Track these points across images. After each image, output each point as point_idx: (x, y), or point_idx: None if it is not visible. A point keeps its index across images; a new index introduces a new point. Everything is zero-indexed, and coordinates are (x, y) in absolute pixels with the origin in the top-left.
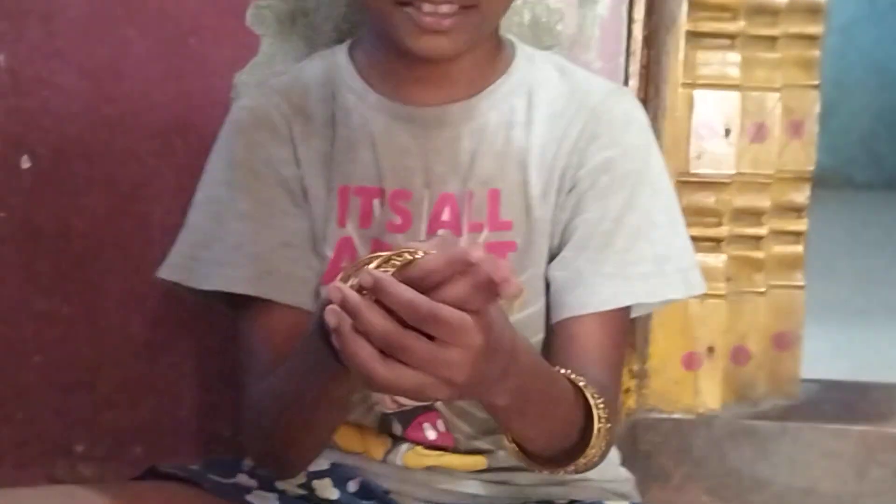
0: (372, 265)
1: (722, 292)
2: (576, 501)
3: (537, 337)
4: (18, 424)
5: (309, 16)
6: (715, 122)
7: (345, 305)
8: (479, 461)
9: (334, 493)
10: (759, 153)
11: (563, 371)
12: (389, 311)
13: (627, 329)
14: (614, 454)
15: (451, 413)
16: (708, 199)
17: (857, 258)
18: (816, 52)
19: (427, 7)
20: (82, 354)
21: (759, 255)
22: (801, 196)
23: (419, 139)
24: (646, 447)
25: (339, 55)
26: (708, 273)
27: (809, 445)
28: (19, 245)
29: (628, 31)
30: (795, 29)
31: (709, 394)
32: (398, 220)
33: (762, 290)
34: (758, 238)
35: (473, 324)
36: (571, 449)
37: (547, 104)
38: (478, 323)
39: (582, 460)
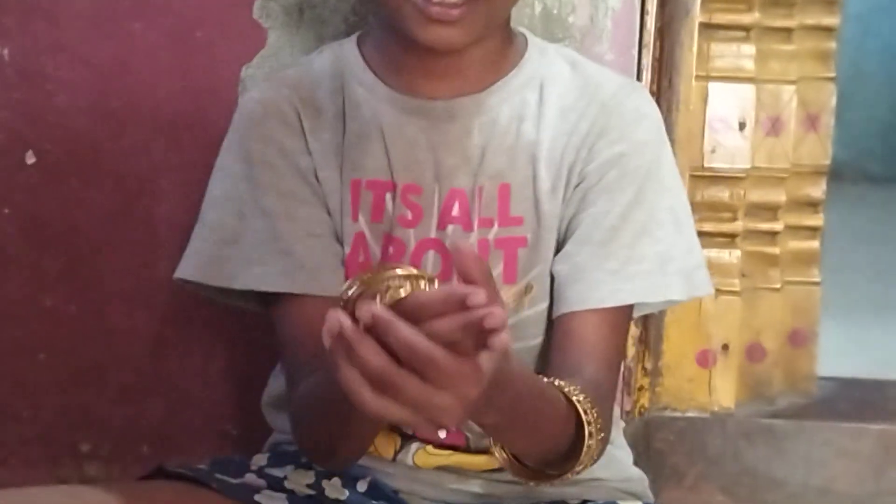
0: (381, 279)
1: (736, 288)
2: (588, 501)
3: (542, 333)
4: (24, 423)
5: (316, 8)
6: (729, 116)
7: (341, 336)
8: (491, 461)
9: (344, 493)
10: (775, 147)
11: (557, 383)
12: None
13: (628, 327)
14: (627, 453)
15: None
16: (722, 193)
17: (873, 253)
18: (832, 44)
19: None
20: (88, 352)
21: (775, 250)
22: (817, 190)
23: (429, 133)
24: (659, 446)
25: (348, 47)
26: (722, 269)
27: (826, 444)
28: (24, 242)
29: (641, 23)
30: (811, 20)
31: (723, 392)
32: (409, 215)
33: (777, 286)
34: (773, 233)
35: (470, 373)
36: (561, 459)
37: (558, 98)
38: (475, 372)
39: (570, 475)
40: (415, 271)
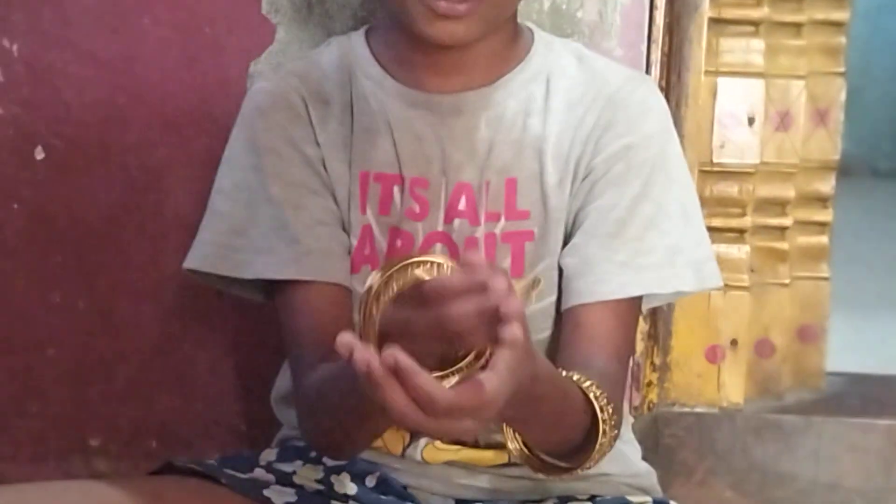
0: (405, 265)
1: (745, 284)
2: (597, 496)
3: (550, 327)
4: (33, 418)
5: (325, 3)
6: (738, 111)
7: (369, 377)
8: (500, 455)
9: (352, 488)
10: (784, 142)
11: (575, 377)
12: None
13: (637, 319)
14: (635, 449)
15: None
16: (731, 188)
17: (882, 249)
18: (842, 39)
19: None
20: (97, 348)
21: (784, 245)
22: (827, 185)
23: (436, 127)
24: (668, 441)
25: (356, 41)
26: (731, 264)
27: (835, 440)
28: (33, 237)
29: (650, 18)
30: (821, 15)
31: (732, 387)
32: (417, 209)
33: (786, 281)
34: (782, 228)
35: (491, 399)
36: (572, 452)
37: (564, 92)
38: (495, 396)
39: (579, 470)
40: (439, 258)
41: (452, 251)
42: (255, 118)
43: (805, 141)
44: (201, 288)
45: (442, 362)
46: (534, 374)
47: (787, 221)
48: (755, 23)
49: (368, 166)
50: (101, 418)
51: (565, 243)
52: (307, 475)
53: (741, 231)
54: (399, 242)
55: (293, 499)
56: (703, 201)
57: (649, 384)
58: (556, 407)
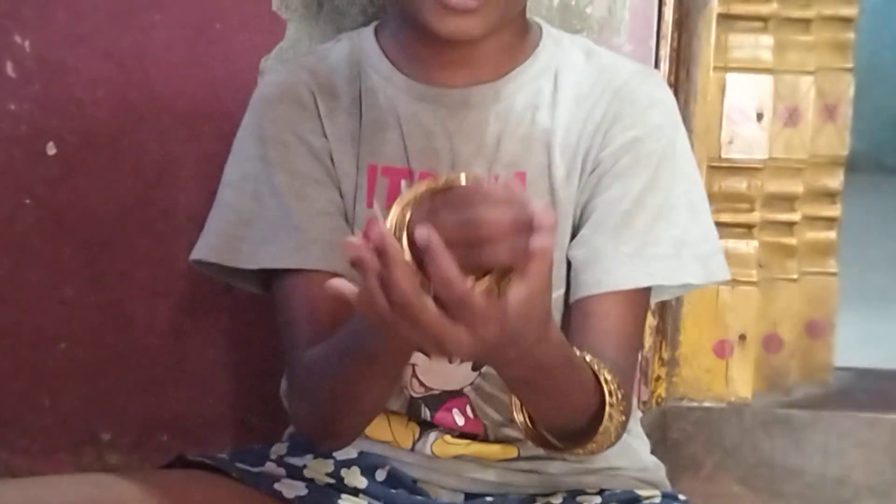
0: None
1: (754, 279)
2: (606, 490)
3: (559, 321)
4: (45, 412)
5: None
6: (747, 107)
7: (379, 251)
8: (510, 450)
9: (362, 482)
10: (792, 138)
11: (588, 358)
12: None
13: (646, 311)
14: (644, 443)
15: (479, 399)
16: (740, 184)
17: (891, 244)
18: (850, 35)
19: None
20: (108, 342)
21: (792, 241)
22: (835, 181)
23: (445, 121)
24: (676, 436)
25: (365, 36)
26: (739, 260)
27: (843, 434)
28: (45, 232)
29: (659, 14)
30: (829, 11)
31: (740, 382)
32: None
33: (795, 276)
34: (790, 224)
35: (495, 316)
36: (579, 433)
37: (572, 86)
38: (499, 317)
39: (581, 451)
40: (460, 179)
41: None
42: (263, 110)
43: (813, 136)
44: (212, 283)
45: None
46: (544, 331)
47: (795, 217)
48: (764, 18)
49: (376, 160)
50: (113, 412)
51: (573, 237)
52: (317, 469)
53: (749, 226)
54: None
55: (304, 492)
56: (712, 197)
57: (657, 379)
58: (565, 381)
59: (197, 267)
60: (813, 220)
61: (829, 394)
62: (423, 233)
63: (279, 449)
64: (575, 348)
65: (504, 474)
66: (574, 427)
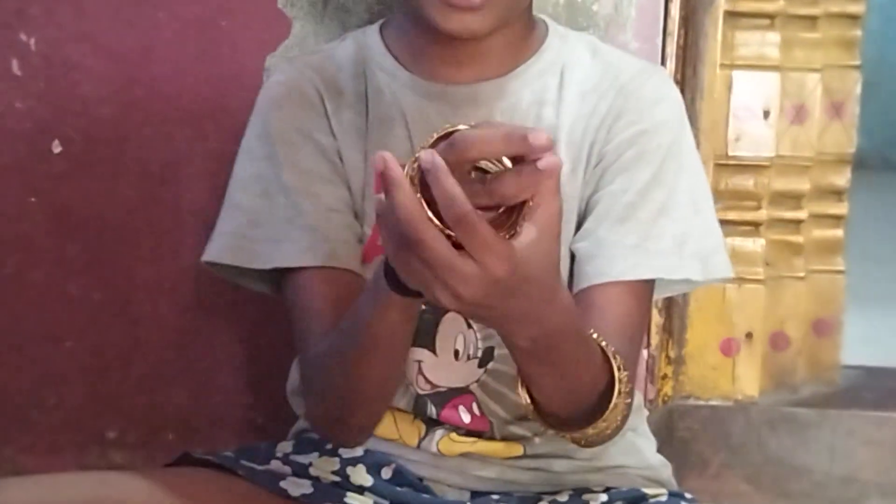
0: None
1: (760, 277)
2: (612, 488)
3: None
4: (50, 411)
5: None
6: (754, 104)
7: (385, 177)
8: (515, 448)
9: (368, 480)
10: (799, 135)
11: (596, 336)
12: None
13: (649, 305)
14: (650, 441)
15: (485, 396)
16: (746, 182)
17: None
18: (857, 32)
19: None
20: (114, 340)
21: (799, 239)
22: (842, 179)
23: (451, 118)
24: (683, 434)
25: (370, 35)
26: (746, 257)
27: (850, 433)
28: (50, 230)
29: (665, 11)
30: (836, 8)
31: (747, 380)
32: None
33: (801, 274)
34: (797, 222)
35: (502, 249)
36: (585, 415)
37: (578, 83)
38: (507, 251)
39: (591, 430)
40: (465, 125)
41: None
42: (270, 109)
43: (820, 134)
44: (217, 281)
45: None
46: (553, 287)
47: (802, 215)
48: (770, 16)
49: None
50: (118, 410)
51: (577, 230)
52: (323, 467)
53: (756, 224)
54: None
55: (309, 490)
56: (718, 194)
57: (664, 377)
58: (573, 352)
59: (208, 268)
60: (820, 218)
61: (836, 392)
62: (427, 155)
63: (285, 447)
64: None
65: (510, 472)
66: (582, 406)
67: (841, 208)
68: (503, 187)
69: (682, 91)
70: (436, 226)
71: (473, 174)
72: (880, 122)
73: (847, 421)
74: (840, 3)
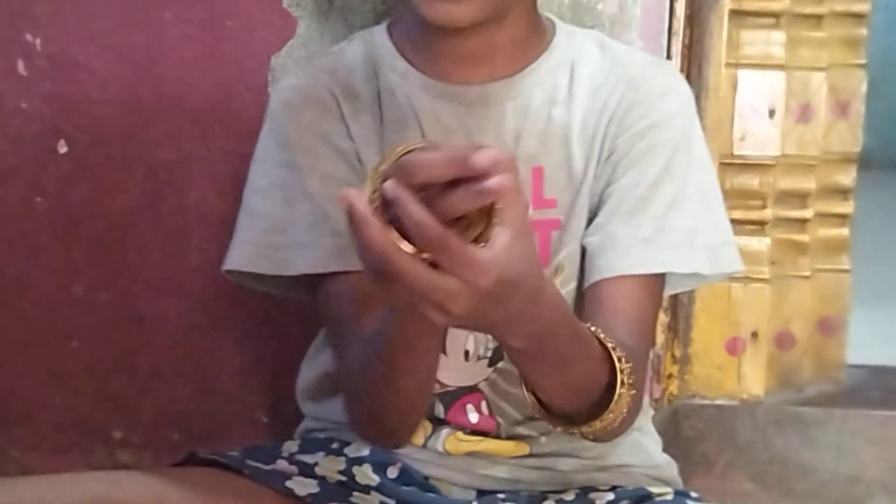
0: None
1: (766, 276)
2: (618, 487)
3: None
4: (56, 410)
5: None
6: (759, 103)
7: (351, 217)
8: (522, 447)
9: (374, 479)
10: (805, 134)
11: (593, 329)
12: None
13: (660, 299)
14: (656, 441)
15: (494, 395)
16: (752, 181)
17: None
18: (863, 31)
19: None
20: (120, 340)
21: (804, 238)
22: (847, 178)
23: (463, 118)
24: (688, 433)
25: (378, 35)
26: (752, 257)
27: (856, 432)
28: (56, 230)
29: (670, 11)
30: (841, 7)
31: (752, 379)
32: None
33: (807, 273)
34: (803, 221)
35: (481, 261)
36: (591, 410)
37: (588, 79)
38: (486, 263)
39: (598, 423)
40: (421, 143)
41: None
42: (286, 115)
43: (826, 133)
44: (223, 281)
45: None
46: (539, 284)
47: (807, 214)
48: (776, 15)
49: None
50: (124, 410)
51: (588, 224)
52: (329, 466)
53: (762, 223)
54: None
55: (315, 490)
56: (724, 193)
57: (670, 376)
58: (570, 348)
59: (228, 276)
60: (825, 217)
61: (841, 391)
62: (389, 185)
63: (291, 446)
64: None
65: (516, 471)
66: (585, 401)
67: (846, 207)
68: (459, 204)
69: None
70: (410, 252)
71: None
72: (886, 121)
73: (853, 420)
74: (845, 1)
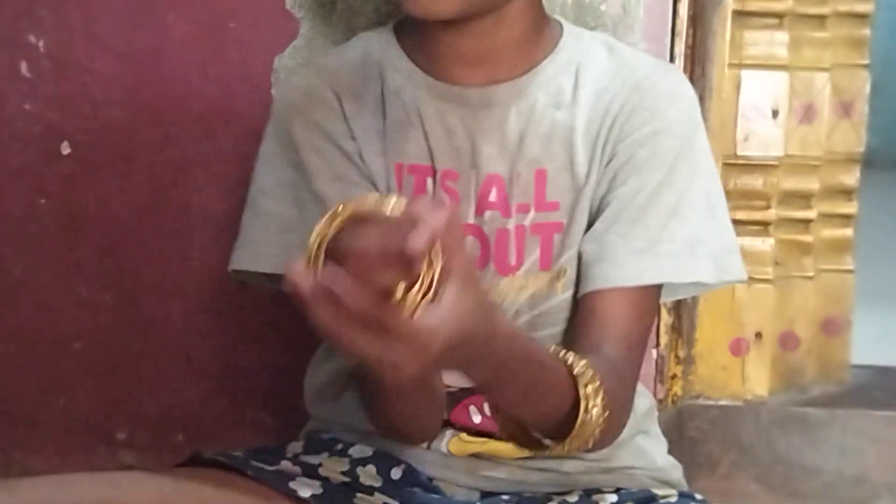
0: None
1: (770, 277)
2: (622, 489)
3: (565, 320)
4: (60, 412)
5: None
6: (762, 104)
7: (295, 294)
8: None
9: (378, 480)
10: (808, 134)
11: (562, 354)
12: None
13: (655, 310)
14: (661, 442)
15: None
16: (755, 181)
17: None
18: (866, 31)
19: None
20: (123, 341)
21: (808, 238)
22: (851, 178)
23: (466, 120)
24: (693, 434)
25: (385, 36)
26: (755, 257)
27: (860, 432)
28: (59, 232)
29: (674, 11)
30: (844, 7)
31: (757, 380)
32: (448, 201)
33: (811, 274)
34: (806, 221)
35: (427, 330)
36: (561, 432)
37: (593, 81)
38: (432, 329)
39: (567, 445)
40: (368, 201)
41: (483, 243)
42: (290, 115)
43: (829, 133)
44: (227, 282)
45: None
46: (492, 323)
47: (811, 214)
48: (779, 15)
49: (402, 158)
50: (127, 411)
51: (587, 229)
52: (333, 467)
53: (765, 224)
54: None
55: (319, 491)
56: (727, 194)
57: (674, 377)
58: (532, 376)
59: (234, 276)
60: (829, 218)
61: (845, 392)
62: (324, 274)
63: (295, 447)
64: (552, 344)
65: (520, 472)
66: (555, 424)
67: (850, 207)
68: (392, 279)
69: None
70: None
71: None
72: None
73: (857, 420)
74: (848, 2)
